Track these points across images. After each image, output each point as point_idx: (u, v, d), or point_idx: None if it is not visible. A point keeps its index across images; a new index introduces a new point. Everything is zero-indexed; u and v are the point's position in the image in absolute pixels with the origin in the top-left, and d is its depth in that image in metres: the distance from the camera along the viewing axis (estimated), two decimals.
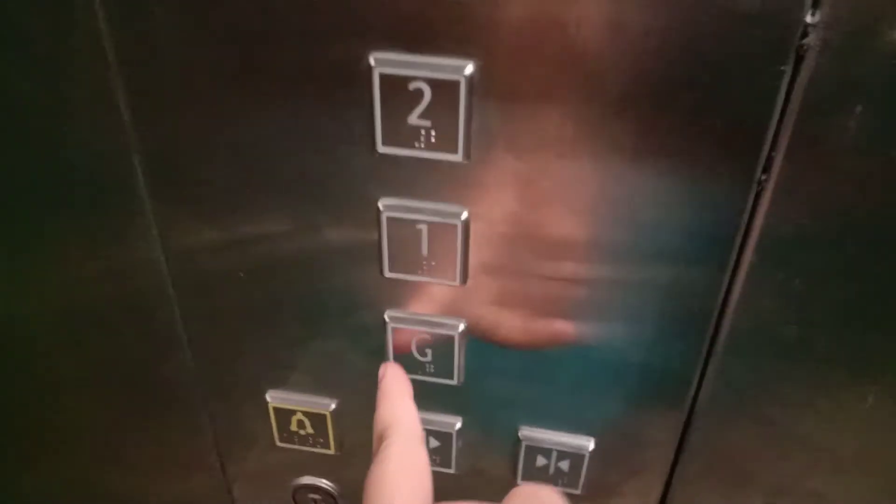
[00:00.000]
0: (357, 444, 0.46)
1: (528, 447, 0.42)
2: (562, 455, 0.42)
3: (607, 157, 0.30)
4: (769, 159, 0.29)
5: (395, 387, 0.36)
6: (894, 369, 0.34)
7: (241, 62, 0.31)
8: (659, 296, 0.34)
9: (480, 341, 0.38)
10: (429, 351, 0.39)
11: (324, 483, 0.49)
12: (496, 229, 0.34)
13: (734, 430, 0.38)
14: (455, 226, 0.33)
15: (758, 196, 0.30)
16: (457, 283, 0.36)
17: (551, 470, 0.42)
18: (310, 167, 0.34)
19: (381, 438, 0.33)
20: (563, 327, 0.37)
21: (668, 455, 0.40)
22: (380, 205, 0.34)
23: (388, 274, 0.36)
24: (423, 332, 0.38)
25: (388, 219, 0.34)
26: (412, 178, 0.33)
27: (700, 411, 0.38)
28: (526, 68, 0.29)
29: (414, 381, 0.40)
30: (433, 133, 0.31)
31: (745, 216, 0.31)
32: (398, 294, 0.37)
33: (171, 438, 0.50)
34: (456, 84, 0.29)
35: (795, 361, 0.35)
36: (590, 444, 0.41)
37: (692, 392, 0.37)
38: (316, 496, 0.50)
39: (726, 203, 0.31)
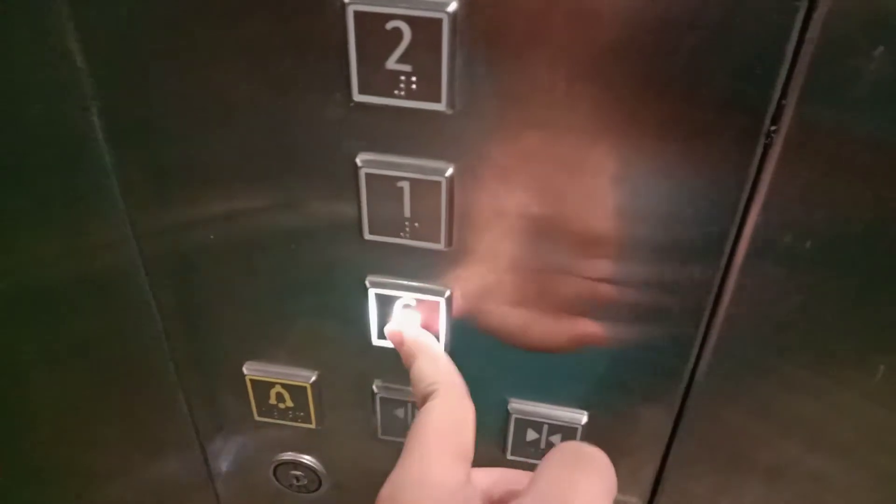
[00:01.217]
0: (339, 418, 0.44)
1: (517, 420, 0.40)
2: (553, 429, 0.40)
3: (605, 106, 0.28)
4: (779, 108, 0.27)
5: (428, 342, 0.35)
6: None
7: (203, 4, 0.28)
8: (656, 261, 0.32)
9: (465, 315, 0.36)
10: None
11: (305, 459, 0.47)
12: (485, 187, 0.31)
13: (731, 409, 0.36)
14: (439, 183, 0.31)
15: (765, 151, 0.28)
16: (441, 245, 0.33)
17: (542, 444, 0.40)
18: (280, 121, 0.31)
19: (425, 396, 0.32)
20: (554, 300, 0.35)
21: (663, 432, 0.38)
22: (357, 160, 0.31)
23: (368, 236, 0.34)
24: (408, 298, 0.36)
25: (367, 176, 0.31)
26: (392, 131, 0.30)
27: (696, 389, 0.36)
28: (515, 5, 0.26)
29: (395, 352, 0.38)
30: (414, 79, 0.28)
31: (751, 174, 0.29)
32: (380, 259, 0.35)
33: (146, 415, 0.48)
34: (438, 23, 0.26)
35: (797, 336, 0.33)
36: (582, 418, 0.39)
37: (689, 368, 0.35)
38: (298, 472, 0.48)
39: (731, 159, 0.28)
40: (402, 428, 0.42)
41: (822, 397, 0.35)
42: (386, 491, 0.28)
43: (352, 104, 0.29)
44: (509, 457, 0.42)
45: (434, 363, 0.34)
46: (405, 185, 0.31)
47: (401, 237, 0.33)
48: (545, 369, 0.38)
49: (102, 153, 0.34)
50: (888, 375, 0.33)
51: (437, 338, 0.37)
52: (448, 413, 0.31)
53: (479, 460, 0.43)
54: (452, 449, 0.29)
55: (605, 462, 0.28)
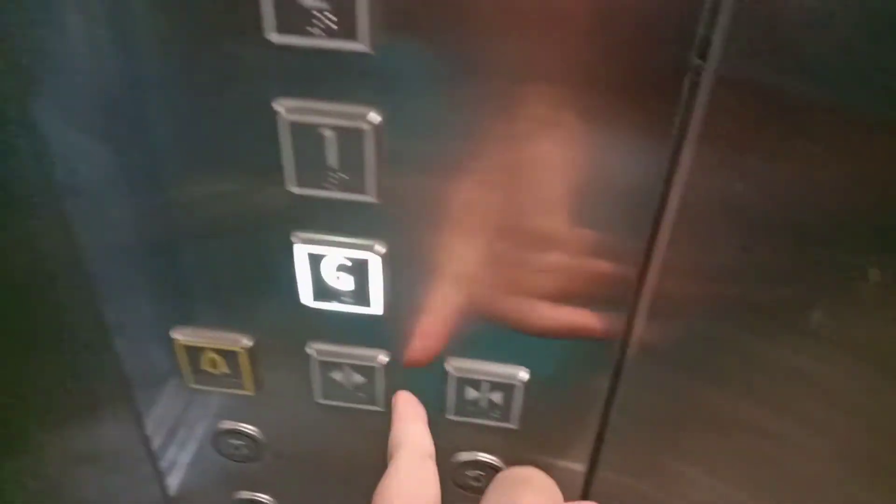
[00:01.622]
0: (277, 384, 0.43)
1: (457, 379, 0.39)
2: (494, 386, 0.39)
3: (531, 49, 0.27)
4: (705, 41, 0.26)
5: (408, 409, 0.38)
6: (842, 310, 0.32)
7: None
8: (588, 213, 0.31)
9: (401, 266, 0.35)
10: (345, 277, 0.35)
11: (245, 427, 0.46)
12: (415, 134, 0.30)
13: (669, 366, 0.36)
14: (363, 129, 0.29)
15: (693, 89, 0.27)
16: (371, 198, 0.32)
17: (483, 403, 0.40)
18: (195, 66, 0.29)
19: (390, 457, 0.34)
20: (489, 255, 0.34)
21: (602, 391, 0.38)
22: (276, 106, 0.30)
23: (293, 189, 0.32)
24: (337, 255, 0.34)
25: (289, 123, 0.30)
26: (312, 74, 0.29)
27: (633, 345, 0.35)
28: None
29: (332, 313, 0.37)
30: (331, 16, 0.26)
31: (680, 113, 0.28)
32: (307, 213, 0.34)
33: (79, 383, 0.46)
34: None
35: (732, 288, 0.32)
36: (524, 375, 0.38)
37: (625, 322, 0.34)
38: (237, 441, 0.46)
39: (659, 98, 0.27)
40: (341, 391, 0.41)
41: (759, 352, 0.35)
42: None
43: (268, 45, 0.28)
44: (449, 416, 0.41)
45: (403, 428, 0.36)
46: (329, 133, 0.30)
47: (327, 189, 0.32)
48: (483, 326, 0.37)
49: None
50: (824, 326, 0.33)
51: (369, 301, 0.36)
52: (406, 473, 0.33)
53: None
54: None
55: (543, 478, 0.29)
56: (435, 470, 0.33)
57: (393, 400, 0.39)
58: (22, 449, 0.51)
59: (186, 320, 0.40)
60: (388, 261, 0.35)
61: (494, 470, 0.43)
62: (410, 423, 0.37)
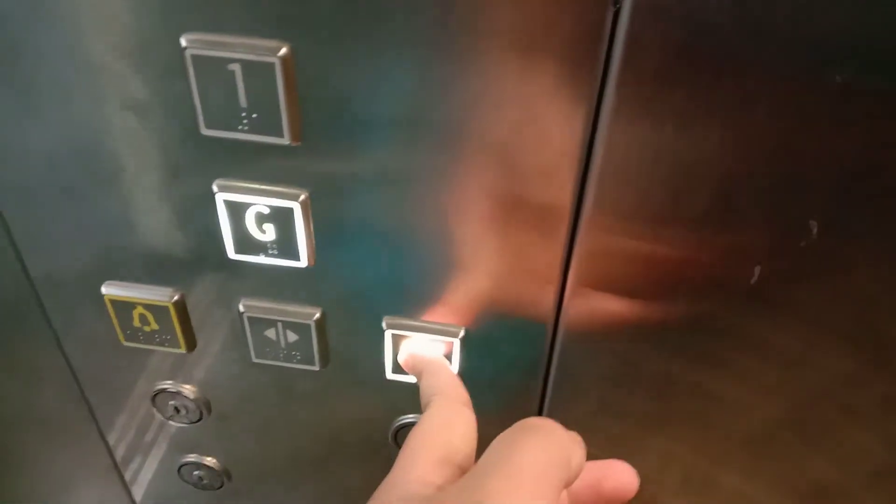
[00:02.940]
0: (210, 342, 0.41)
1: (394, 336, 0.38)
2: (431, 343, 0.37)
3: None
4: None
5: (435, 363, 0.36)
6: (781, 264, 0.30)
7: None
8: (515, 152, 0.30)
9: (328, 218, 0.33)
10: (269, 227, 0.34)
11: (183, 388, 0.44)
12: (328, 69, 0.28)
13: (602, 326, 0.35)
14: (272, 64, 0.28)
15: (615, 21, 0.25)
16: (286, 140, 0.30)
17: None
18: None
19: (424, 408, 0.32)
20: (417, 198, 0.32)
21: (542, 349, 0.36)
22: (182, 40, 0.28)
23: (204, 131, 0.30)
24: (259, 204, 0.33)
25: (193, 58, 0.28)
26: (217, 4, 0.27)
27: (568, 297, 0.34)
28: None
29: (260, 266, 0.36)
30: None
31: (603, 47, 0.26)
32: (224, 158, 0.32)
33: (10, 340, 0.44)
34: None
35: (664, 227, 0.31)
36: (459, 332, 0.37)
37: (559, 276, 0.33)
38: (176, 402, 0.45)
39: (580, 35, 0.26)
40: (275, 350, 0.39)
41: (696, 310, 0.33)
42: (375, 494, 0.27)
43: None
44: (389, 375, 0.40)
45: (435, 377, 0.34)
46: (236, 69, 0.28)
47: (240, 131, 0.30)
48: (418, 284, 0.36)
49: None
50: (765, 278, 0.31)
51: (299, 255, 0.34)
52: (436, 419, 0.30)
53: (363, 381, 0.41)
54: (436, 453, 0.28)
55: (551, 426, 0.26)
56: (470, 418, 0.31)
57: (405, 362, 0.38)
58: None
59: (116, 275, 0.39)
60: (312, 209, 0.33)
61: None
62: (440, 374, 0.34)
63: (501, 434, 0.26)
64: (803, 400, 0.35)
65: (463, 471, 0.28)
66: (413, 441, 0.29)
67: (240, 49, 0.28)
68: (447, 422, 0.30)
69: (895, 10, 0.23)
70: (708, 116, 0.26)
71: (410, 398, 0.41)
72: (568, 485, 0.26)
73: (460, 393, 0.33)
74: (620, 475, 0.30)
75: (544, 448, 0.25)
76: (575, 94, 0.27)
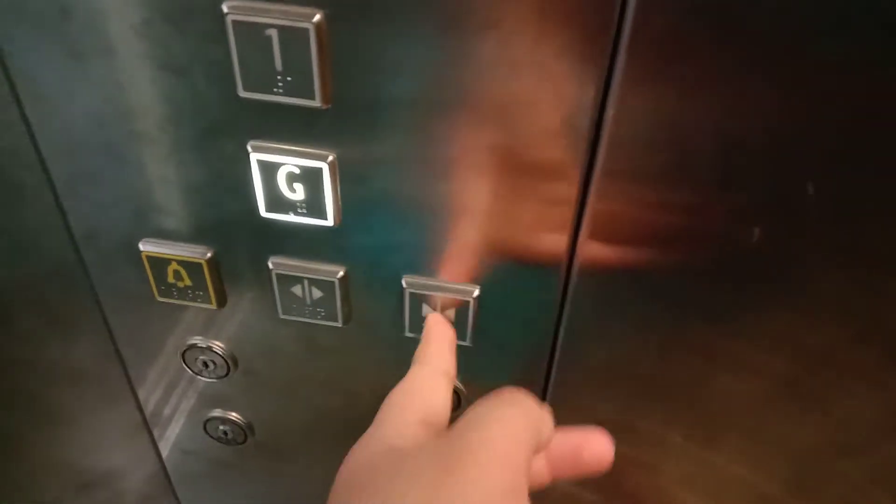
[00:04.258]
0: (240, 299, 0.44)
1: (412, 295, 0.40)
2: (447, 304, 0.40)
3: None
4: None
5: (433, 330, 0.39)
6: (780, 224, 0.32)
7: None
8: (530, 125, 0.31)
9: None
10: (299, 187, 0.36)
11: (213, 343, 0.47)
12: (362, 35, 0.30)
13: (611, 284, 0.37)
14: (306, 29, 0.30)
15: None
16: (318, 103, 0.32)
17: None
18: None
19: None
20: (441, 162, 0.34)
21: (552, 306, 0.38)
22: (224, 6, 0.30)
23: (242, 93, 0.33)
24: (290, 164, 0.35)
25: (234, 23, 0.30)
26: None
27: (578, 260, 0.36)
28: None
29: (289, 225, 0.38)
30: None
31: (612, 25, 0.28)
32: (259, 120, 0.34)
33: (51, 295, 0.47)
34: None
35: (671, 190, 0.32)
36: (474, 291, 0.39)
37: (569, 240, 0.35)
38: (205, 357, 0.48)
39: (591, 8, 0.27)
40: (301, 307, 0.42)
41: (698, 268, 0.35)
42: (354, 447, 0.30)
43: None
44: (407, 333, 0.42)
45: (426, 345, 0.37)
46: (273, 34, 0.30)
47: (275, 94, 0.32)
48: (437, 244, 0.38)
49: None
50: (764, 242, 0.33)
51: (326, 214, 0.36)
52: (413, 383, 0.34)
53: (383, 337, 0.43)
54: (414, 413, 0.31)
55: (522, 397, 0.29)
56: (448, 387, 0.34)
57: (425, 323, 0.40)
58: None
59: (153, 233, 0.41)
60: (340, 171, 0.35)
61: (455, 390, 0.44)
62: (432, 343, 0.37)
63: (476, 402, 0.29)
64: (804, 360, 0.36)
65: (437, 433, 0.31)
66: (392, 399, 0.32)
67: (277, 15, 0.30)
68: (423, 386, 0.34)
69: None
70: (710, 84, 0.28)
71: None
72: (539, 451, 0.29)
73: (442, 362, 0.36)
74: (598, 445, 0.32)
75: (516, 415, 0.28)
76: (587, 57, 0.29)
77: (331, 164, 0.35)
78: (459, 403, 0.45)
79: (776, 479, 0.45)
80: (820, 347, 0.36)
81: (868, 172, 0.30)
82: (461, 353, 0.41)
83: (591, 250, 0.35)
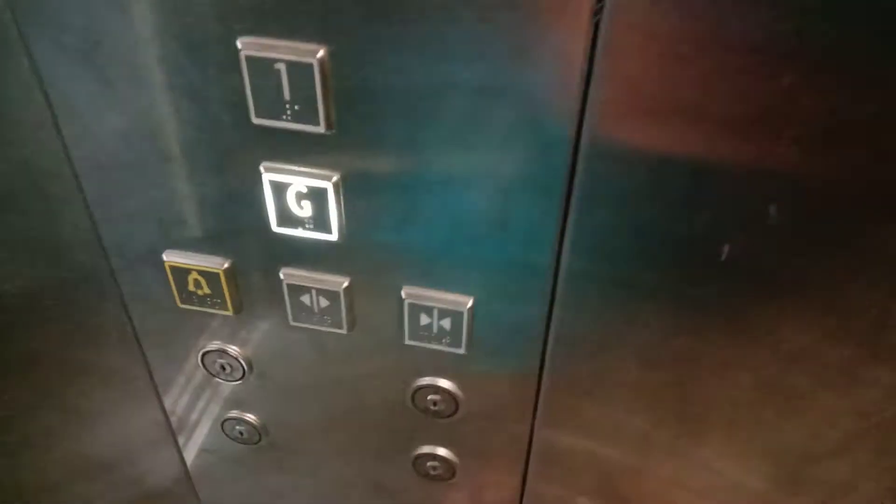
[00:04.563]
0: (255, 306, 0.47)
1: (411, 305, 0.43)
2: (443, 313, 0.42)
3: None
4: None
5: None
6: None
7: None
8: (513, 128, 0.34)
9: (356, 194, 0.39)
10: (306, 204, 0.39)
11: (227, 347, 0.50)
12: (361, 67, 0.33)
13: (600, 285, 0.39)
14: (311, 64, 0.33)
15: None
16: (322, 129, 0.36)
17: (435, 329, 0.43)
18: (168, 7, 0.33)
19: None
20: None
21: (542, 313, 0.41)
22: (238, 43, 0.34)
23: (255, 121, 0.36)
24: (298, 184, 0.38)
25: (247, 58, 0.34)
26: (268, 11, 0.32)
27: (565, 267, 0.38)
28: None
29: (298, 239, 0.41)
30: None
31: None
32: (271, 144, 0.37)
33: (83, 301, 0.51)
34: None
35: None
36: (468, 302, 0.42)
37: (554, 242, 0.38)
38: (223, 361, 0.51)
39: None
40: (309, 314, 0.45)
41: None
42: None
43: None
44: (407, 341, 0.45)
45: None
46: (282, 67, 0.34)
47: (283, 120, 0.35)
48: (435, 257, 0.41)
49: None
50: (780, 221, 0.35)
51: (330, 227, 0.40)
52: None
53: (384, 344, 0.46)
54: None
55: None
56: None
57: None
58: (29, 364, 0.56)
59: (176, 244, 0.45)
60: (343, 189, 0.38)
61: (450, 394, 0.47)
62: None
63: None
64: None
65: None
66: None
67: (285, 51, 0.33)
68: None
69: None
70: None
71: (428, 362, 0.46)
72: None
73: None
74: None
75: None
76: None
77: (335, 184, 0.38)
78: (457, 408, 0.48)
79: (766, 477, 0.46)
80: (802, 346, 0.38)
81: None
82: (458, 360, 0.44)
83: (576, 258, 0.38)
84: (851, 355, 0.38)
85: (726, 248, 0.35)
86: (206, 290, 0.46)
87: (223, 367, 0.52)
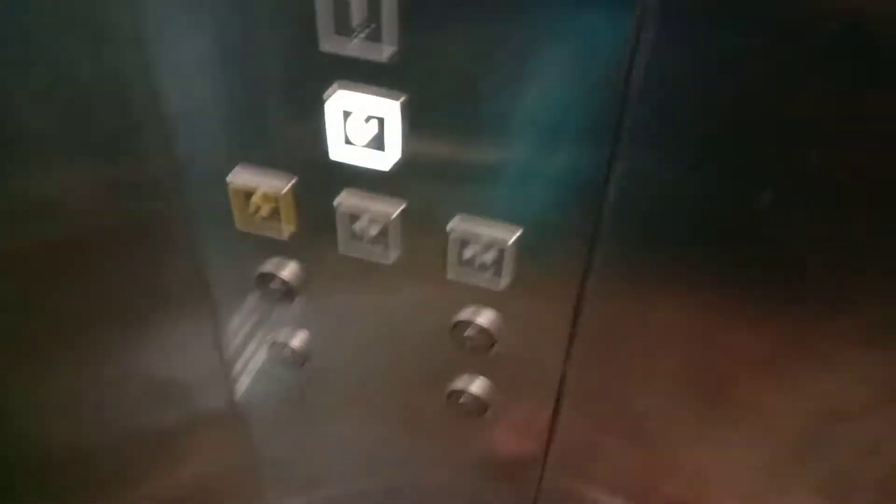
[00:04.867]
0: (309, 231, 0.49)
1: (456, 238, 0.44)
2: (487, 245, 0.44)
3: None
4: None
5: None
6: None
7: None
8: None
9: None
10: (369, 128, 0.41)
11: (280, 270, 0.53)
12: None
13: (644, 230, 0.40)
14: None
15: None
16: (389, 52, 0.37)
17: (478, 262, 0.45)
18: None
19: None
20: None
21: (583, 250, 0.42)
22: None
23: (322, 43, 0.38)
24: (360, 109, 0.40)
25: None
26: None
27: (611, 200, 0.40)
28: None
29: (354, 166, 0.43)
30: None
31: None
32: (337, 65, 0.39)
33: (142, 214, 0.53)
34: None
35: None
36: (516, 233, 0.43)
37: (601, 183, 0.39)
38: (273, 284, 0.54)
39: None
40: (359, 243, 0.47)
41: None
42: None
43: None
44: (449, 276, 0.47)
45: None
46: None
47: (353, 38, 0.37)
48: (484, 186, 0.42)
49: None
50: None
51: (389, 153, 0.42)
52: None
53: (423, 279, 0.48)
54: None
55: None
56: None
57: None
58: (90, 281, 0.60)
59: (238, 164, 0.47)
60: (405, 114, 0.40)
61: (486, 331, 0.49)
62: None
63: None
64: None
65: None
66: None
67: None
68: None
69: None
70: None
71: (470, 296, 0.48)
72: None
73: None
74: None
75: None
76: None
77: (399, 106, 0.40)
78: (493, 344, 0.50)
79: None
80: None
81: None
82: (497, 297, 0.46)
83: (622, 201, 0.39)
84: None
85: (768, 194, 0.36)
86: (265, 213, 0.49)
87: (274, 290, 0.55)
